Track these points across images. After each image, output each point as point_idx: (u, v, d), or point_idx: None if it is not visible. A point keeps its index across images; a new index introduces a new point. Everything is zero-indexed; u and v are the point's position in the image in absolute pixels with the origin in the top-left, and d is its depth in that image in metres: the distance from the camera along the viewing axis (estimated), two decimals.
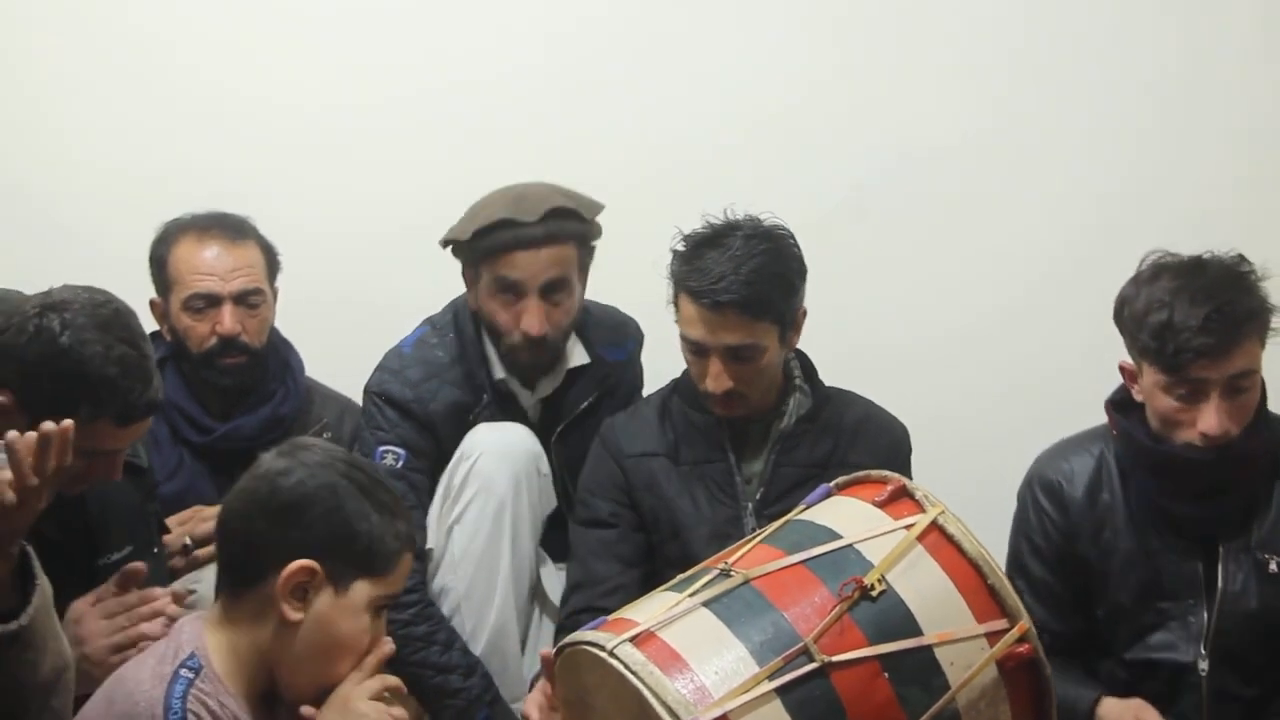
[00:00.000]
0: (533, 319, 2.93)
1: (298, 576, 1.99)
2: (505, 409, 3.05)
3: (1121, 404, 2.64)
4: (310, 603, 2.01)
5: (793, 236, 2.77)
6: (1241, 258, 2.56)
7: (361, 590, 2.03)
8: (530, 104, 3.48)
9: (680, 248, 2.77)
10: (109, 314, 2.32)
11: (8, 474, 1.98)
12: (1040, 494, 2.71)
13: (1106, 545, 2.64)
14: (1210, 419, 2.46)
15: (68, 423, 2.01)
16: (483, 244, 2.93)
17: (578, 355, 3.12)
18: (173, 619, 2.33)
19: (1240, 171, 3.45)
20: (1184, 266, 2.54)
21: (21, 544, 2.05)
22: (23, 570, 2.06)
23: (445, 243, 3.02)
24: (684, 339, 2.76)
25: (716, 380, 2.73)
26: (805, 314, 2.82)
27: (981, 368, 3.44)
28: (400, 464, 2.97)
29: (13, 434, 1.98)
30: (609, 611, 2.17)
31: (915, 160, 3.46)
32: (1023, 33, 3.49)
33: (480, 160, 3.40)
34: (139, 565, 2.37)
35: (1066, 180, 3.47)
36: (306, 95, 3.59)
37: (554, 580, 3.04)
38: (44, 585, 2.07)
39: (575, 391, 3.10)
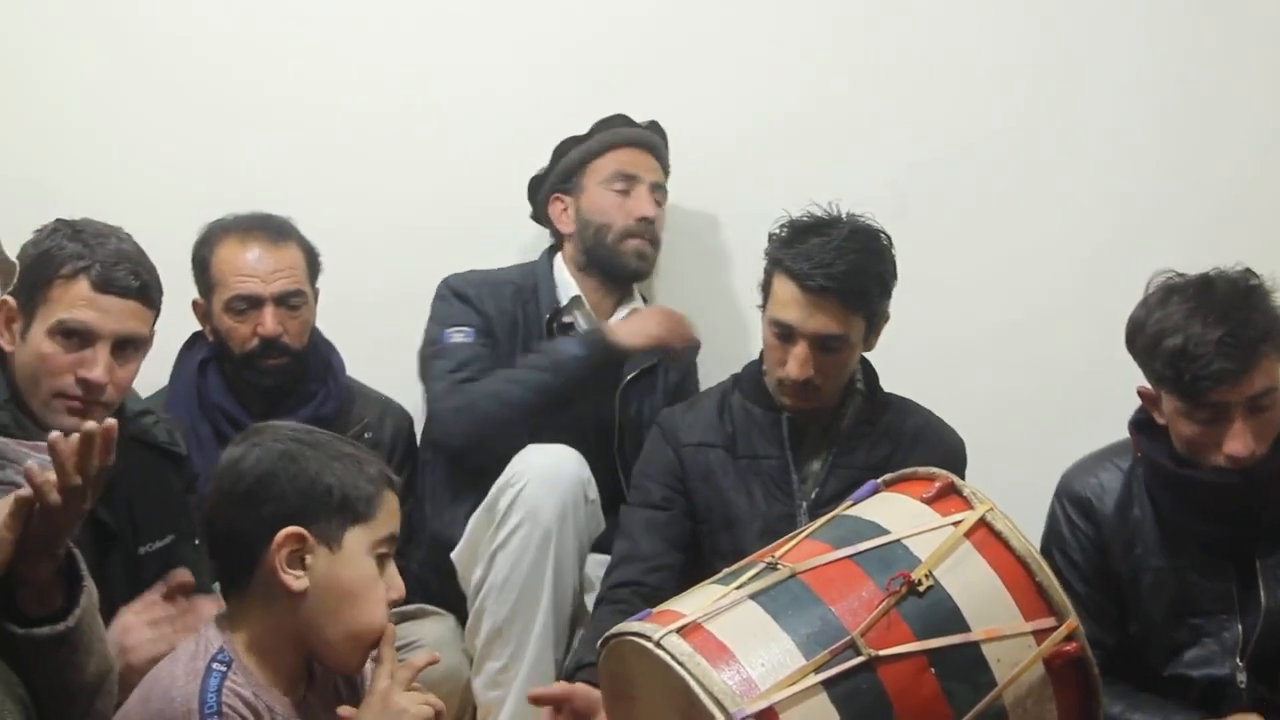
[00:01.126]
0: (649, 205, 3.26)
1: (288, 545, 2.00)
2: (565, 331, 3.24)
3: (1144, 424, 2.62)
4: (311, 568, 2.01)
5: (890, 240, 2.81)
6: (1249, 271, 2.53)
7: (355, 538, 2.03)
8: (564, 100, 3.46)
9: (782, 231, 2.79)
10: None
11: (52, 475, 1.98)
12: (1070, 509, 2.69)
13: (1137, 562, 2.62)
14: (1236, 442, 2.44)
15: (110, 421, 2.01)
16: (600, 137, 3.27)
17: (640, 303, 3.32)
18: None
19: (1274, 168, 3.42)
20: (1193, 287, 2.50)
21: (67, 545, 2.05)
22: (68, 571, 2.06)
23: (558, 149, 3.30)
24: (773, 323, 2.77)
25: (801, 367, 2.73)
26: (888, 319, 2.85)
27: (1019, 365, 3.41)
28: (469, 339, 3.15)
29: (55, 434, 1.98)
30: (650, 587, 2.17)
31: (952, 157, 3.44)
32: (1059, 28, 3.46)
33: (519, 158, 3.40)
34: (186, 577, 2.39)
35: (1106, 176, 3.43)
36: (343, 95, 3.57)
37: None
38: (90, 587, 2.08)
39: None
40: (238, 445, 2.08)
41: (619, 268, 3.28)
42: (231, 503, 2.05)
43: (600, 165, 3.28)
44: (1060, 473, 2.76)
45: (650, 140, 3.34)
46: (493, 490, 2.93)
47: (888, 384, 2.94)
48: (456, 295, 3.23)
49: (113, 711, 2.10)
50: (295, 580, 2.00)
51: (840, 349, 2.75)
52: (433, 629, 3.00)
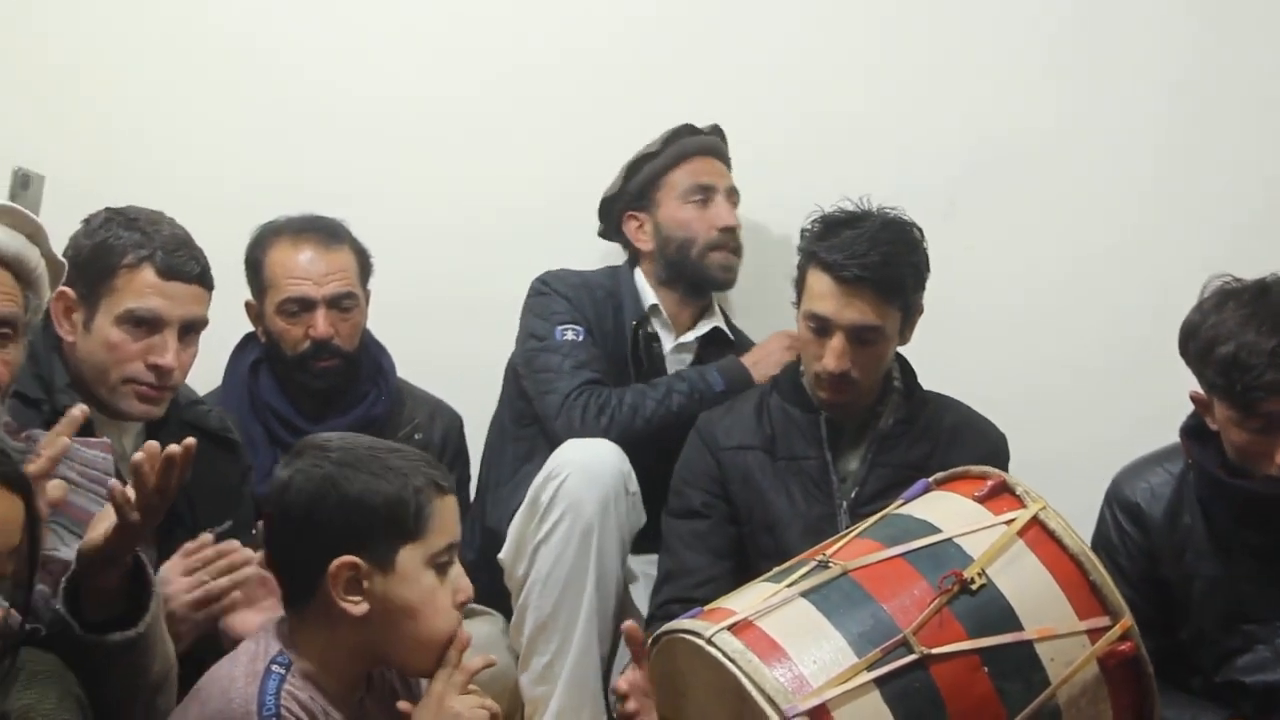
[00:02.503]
0: (729, 213, 3.26)
1: (342, 574, 1.98)
2: (647, 347, 3.25)
3: (1196, 431, 2.59)
4: (369, 591, 1.98)
5: (922, 232, 2.81)
6: None
7: (409, 556, 2.00)
8: (616, 102, 3.47)
9: (814, 226, 2.80)
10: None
11: (132, 492, 2.01)
12: (1120, 514, 2.67)
13: (1188, 569, 2.60)
14: None
15: (190, 441, 2.05)
16: (671, 150, 3.26)
17: (721, 320, 3.33)
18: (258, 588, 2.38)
19: None
20: (1248, 293, 2.47)
21: (135, 552, 2.08)
22: (135, 576, 2.09)
23: (630, 167, 3.29)
24: (809, 316, 2.77)
25: (838, 359, 2.73)
26: (922, 312, 2.85)
27: (1070, 368, 3.39)
28: (581, 338, 3.15)
29: (139, 456, 2.02)
30: (700, 603, 2.16)
31: (1002, 158, 3.43)
32: (1109, 28, 3.45)
33: (574, 159, 3.43)
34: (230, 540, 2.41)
35: (1160, 178, 3.42)
36: (393, 96, 3.60)
37: (644, 597, 3.03)
38: (158, 593, 2.11)
39: (716, 359, 3.22)
40: (284, 469, 2.06)
41: (705, 280, 3.29)
42: (284, 532, 2.05)
43: (675, 179, 3.28)
44: (1110, 476, 2.73)
45: (718, 146, 3.36)
46: (534, 485, 2.94)
47: (936, 384, 2.93)
48: (559, 293, 3.23)
49: (173, 706, 2.12)
50: (354, 606, 1.99)
51: (876, 341, 2.75)
52: (481, 629, 3.01)
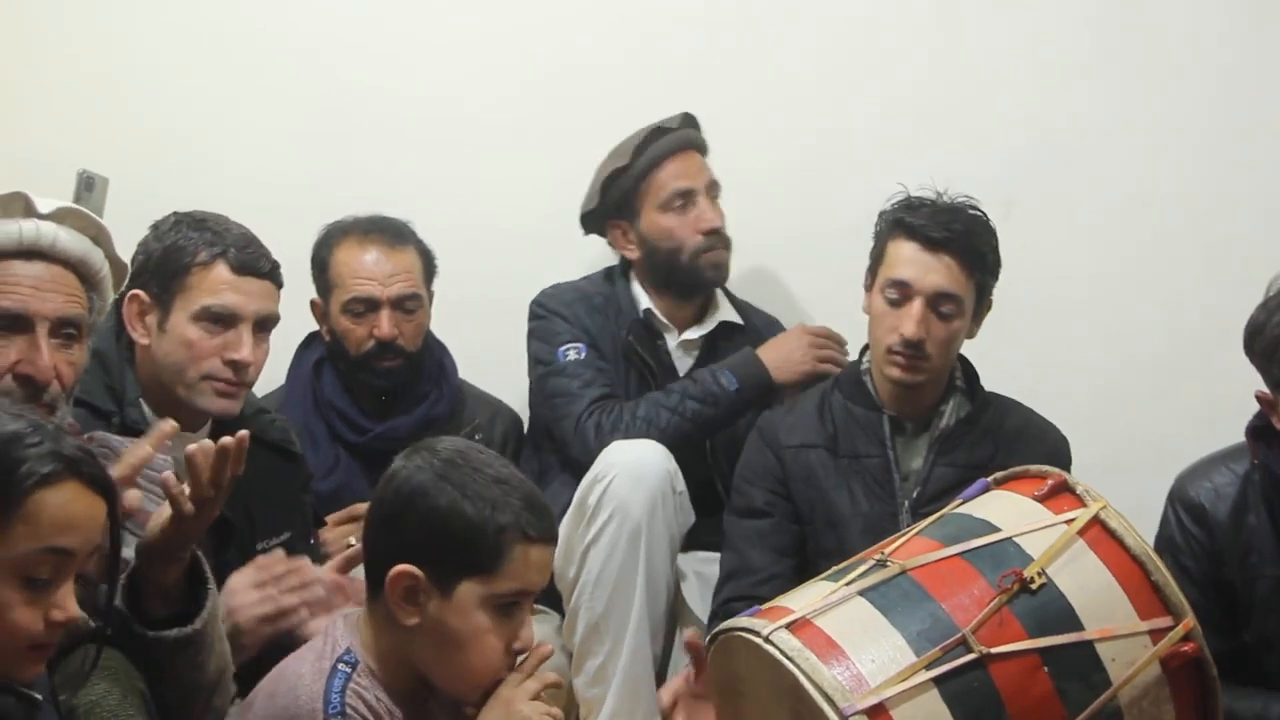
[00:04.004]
0: (712, 213, 3.24)
1: (401, 581, 1.98)
2: (647, 345, 3.24)
3: (1262, 431, 2.55)
4: (423, 607, 1.99)
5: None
6: None
7: (470, 590, 1.98)
8: (665, 92, 3.47)
9: (894, 205, 2.84)
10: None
11: (187, 485, 2.04)
12: (1183, 514, 2.64)
13: (1252, 570, 2.57)
14: None
15: (243, 433, 2.08)
16: (643, 160, 3.21)
17: (729, 312, 3.33)
18: (327, 604, 2.40)
19: None
20: None
21: (193, 549, 2.10)
22: (193, 574, 2.12)
23: (605, 182, 3.25)
24: (889, 284, 2.79)
25: (916, 323, 2.74)
26: (991, 307, 2.86)
27: (1131, 367, 3.38)
28: (583, 355, 3.16)
29: (192, 447, 2.05)
30: (762, 601, 2.16)
31: (1060, 155, 3.42)
32: (1170, 20, 3.42)
33: None
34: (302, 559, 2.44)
35: (1220, 176, 3.39)
36: (448, 96, 3.65)
37: (696, 595, 3.04)
38: (214, 590, 2.13)
39: (731, 350, 3.24)
40: (402, 458, 2.06)
41: (699, 283, 3.28)
42: (376, 519, 2.07)
43: (652, 188, 3.24)
44: (1174, 476, 2.71)
45: (692, 139, 3.30)
46: (581, 487, 2.96)
47: (996, 384, 2.92)
48: (554, 313, 3.24)
49: (229, 706, 2.16)
50: (405, 616, 1.99)
51: (952, 316, 2.77)
52: (537, 629, 3.00)
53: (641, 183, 3.24)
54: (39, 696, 1.71)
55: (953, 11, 3.52)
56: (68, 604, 1.68)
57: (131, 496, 2.06)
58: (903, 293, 2.77)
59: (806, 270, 3.52)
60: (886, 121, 3.50)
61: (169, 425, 2.25)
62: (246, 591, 2.35)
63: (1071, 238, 3.42)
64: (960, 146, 3.43)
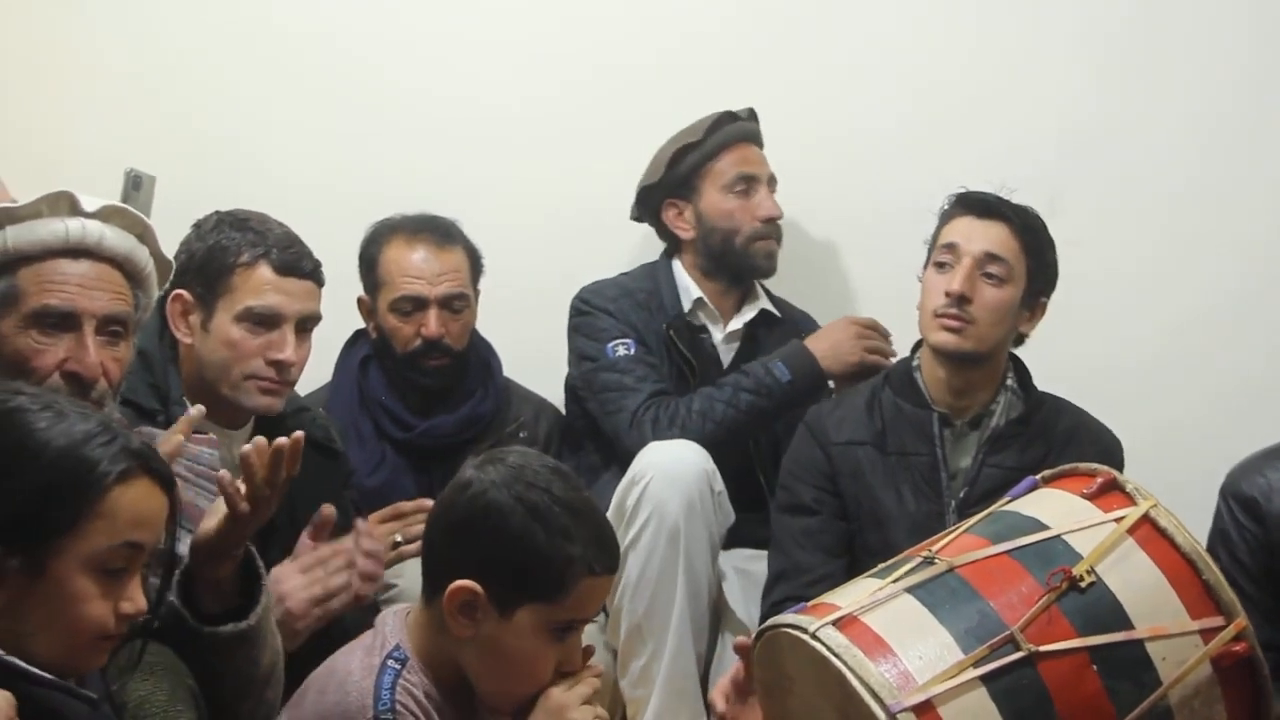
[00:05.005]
0: (771, 204, 3.27)
1: (460, 596, 1.98)
2: (691, 343, 3.24)
3: None
4: (479, 622, 1.99)
5: None
6: None
7: (530, 614, 1.98)
8: (704, 89, 3.48)
9: (948, 199, 2.86)
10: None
11: (242, 483, 2.05)
12: (1236, 508, 2.62)
13: None
14: None
15: (299, 434, 2.10)
16: (714, 139, 3.24)
17: (767, 303, 3.35)
18: (370, 575, 2.43)
19: None
20: None
21: (246, 546, 2.12)
22: (246, 570, 2.13)
23: (673, 157, 3.27)
24: (940, 249, 2.81)
25: (963, 279, 2.75)
26: (1045, 309, 2.86)
27: (1182, 364, 3.36)
28: (633, 350, 3.16)
29: (247, 447, 2.07)
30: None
31: (1106, 150, 3.40)
32: (1226, 23, 3.40)
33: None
34: (329, 510, 2.44)
35: (1274, 174, 3.36)
36: (491, 93, 3.67)
37: (738, 593, 3.04)
38: (267, 586, 2.15)
39: (771, 340, 3.26)
40: (475, 467, 2.05)
41: (748, 269, 3.31)
42: (439, 525, 2.07)
43: (718, 168, 3.28)
44: (1225, 471, 2.68)
45: (757, 133, 3.36)
46: (619, 489, 2.96)
47: (1046, 383, 2.90)
48: (599, 309, 3.25)
49: (281, 699, 2.16)
50: (459, 627, 2.00)
51: (1001, 280, 2.76)
52: None
53: (708, 161, 3.28)
54: (94, 695, 1.73)
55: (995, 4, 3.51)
56: (136, 596, 1.73)
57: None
58: (952, 255, 2.79)
59: (850, 266, 3.52)
60: (925, 119, 3.50)
61: (197, 411, 2.27)
62: (294, 577, 2.37)
63: (1117, 235, 3.40)
64: (1002, 144, 3.43)
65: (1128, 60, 3.45)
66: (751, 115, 3.35)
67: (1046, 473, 2.23)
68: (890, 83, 3.52)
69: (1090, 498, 2.10)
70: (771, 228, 3.28)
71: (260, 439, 2.09)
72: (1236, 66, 3.39)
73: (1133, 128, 3.42)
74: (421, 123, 3.68)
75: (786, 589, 2.80)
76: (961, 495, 2.78)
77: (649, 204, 3.35)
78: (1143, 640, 1.96)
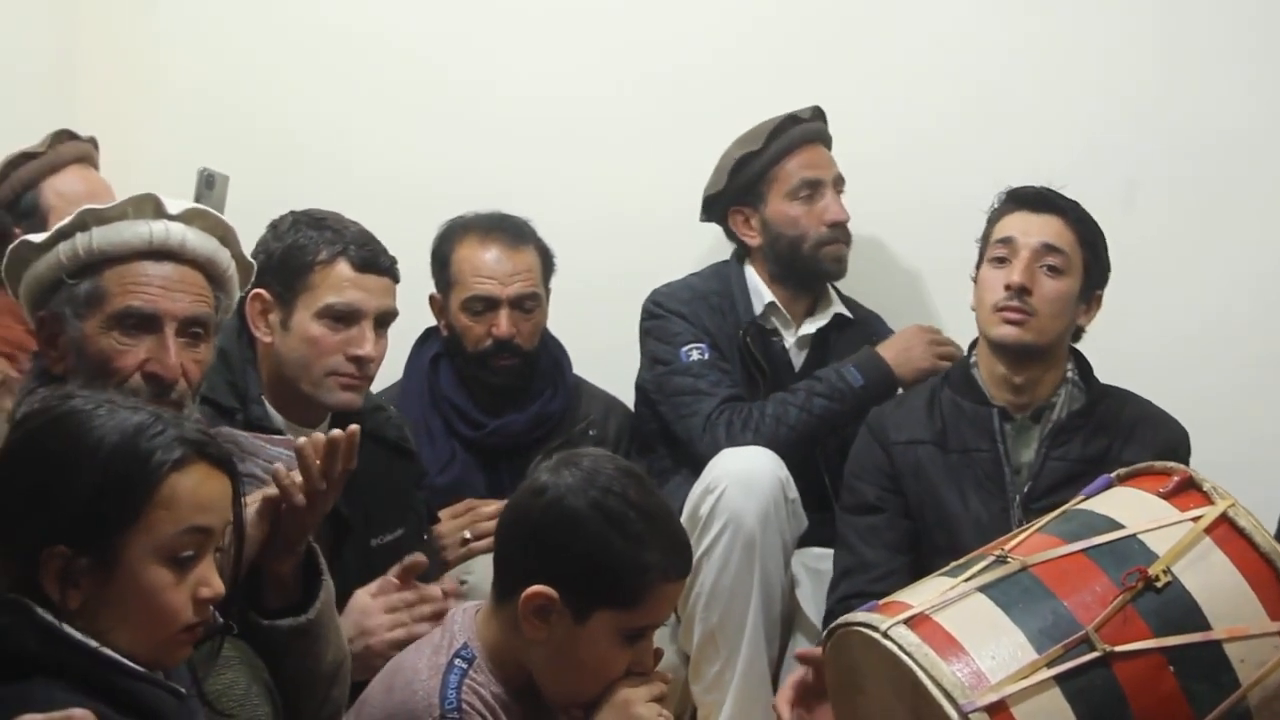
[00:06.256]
0: (837, 207, 3.25)
1: (535, 600, 1.98)
2: (764, 347, 3.23)
3: None
4: (552, 626, 1.99)
5: None
6: None
7: (603, 621, 1.99)
8: (777, 85, 3.48)
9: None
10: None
11: (298, 476, 2.07)
12: None
13: None
14: None
15: (354, 428, 2.11)
16: (776, 146, 3.21)
17: (840, 306, 3.33)
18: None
19: None
20: None
21: (308, 541, 2.14)
22: (308, 566, 2.15)
23: (735, 166, 3.25)
24: (996, 243, 2.80)
25: (1023, 270, 2.74)
26: (1100, 302, 2.84)
27: (1249, 363, 3.32)
28: (707, 355, 3.15)
29: (303, 440, 2.09)
30: (878, 598, 2.15)
31: (1191, 152, 3.35)
32: None
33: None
34: (420, 559, 2.43)
35: None
36: (546, 93, 3.69)
37: (809, 596, 3.03)
38: (328, 582, 2.16)
39: (842, 342, 3.25)
40: (552, 472, 2.05)
41: (817, 274, 3.29)
42: (514, 529, 2.07)
43: (782, 174, 3.26)
44: None
45: (822, 132, 3.33)
46: (692, 497, 2.95)
47: (1115, 378, 2.88)
48: (673, 313, 3.24)
49: (348, 699, 2.18)
50: (532, 630, 2.00)
51: (1060, 271, 2.76)
52: None
53: (771, 169, 3.26)
54: (182, 690, 1.75)
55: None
56: (212, 579, 1.75)
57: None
58: (1008, 249, 2.78)
59: (918, 263, 3.49)
60: (995, 113, 3.48)
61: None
62: (379, 615, 2.36)
63: (1195, 230, 3.36)
64: (1080, 134, 3.41)
65: (1189, 55, 3.40)
66: (817, 114, 3.33)
67: (1121, 471, 2.20)
68: (957, 75, 3.51)
69: (1166, 496, 2.07)
70: (839, 231, 3.26)
71: (317, 434, 2.11)
72: None
73: (1214, 126, 3.37)
74: (490, 122, 3.71)
75: (852, 585, 2.80)
76: (1025, 490, 2.77)
77: (715, 212, 3.35)
78: (1221, 641, 1.93)
